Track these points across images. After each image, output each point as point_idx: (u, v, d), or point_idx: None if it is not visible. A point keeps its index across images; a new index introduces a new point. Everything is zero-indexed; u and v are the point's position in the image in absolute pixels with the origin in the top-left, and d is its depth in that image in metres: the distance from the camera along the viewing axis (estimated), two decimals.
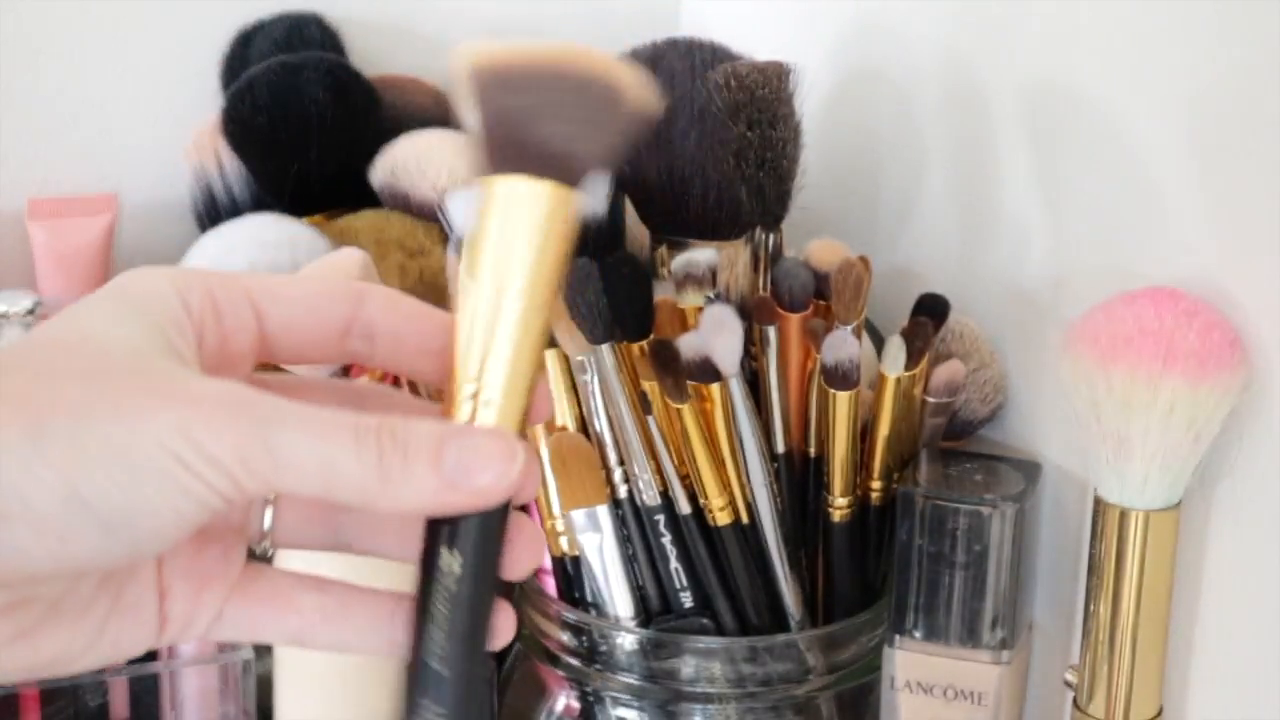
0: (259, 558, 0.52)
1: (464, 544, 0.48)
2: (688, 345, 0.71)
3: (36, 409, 0.44)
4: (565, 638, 0.77)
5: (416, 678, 0.49)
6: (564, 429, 0.76)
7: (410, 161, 0.90)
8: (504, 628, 0.49)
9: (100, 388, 0.45)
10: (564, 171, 0.46)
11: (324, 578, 0.52)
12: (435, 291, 0.85)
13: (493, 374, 0.47)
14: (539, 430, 0.77)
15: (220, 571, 0.51)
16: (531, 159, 0.46)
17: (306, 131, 0.90)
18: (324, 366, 0.54)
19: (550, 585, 0.78)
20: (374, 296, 0.50)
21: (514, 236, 0.47)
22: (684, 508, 0.74)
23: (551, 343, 0.75)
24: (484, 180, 0.47)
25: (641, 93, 0.46)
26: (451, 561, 0.48)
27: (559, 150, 0.46)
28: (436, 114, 0.96)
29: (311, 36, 0.98)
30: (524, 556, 0.49)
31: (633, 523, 0.75)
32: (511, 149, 0.46)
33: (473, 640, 0.48)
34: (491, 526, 0.48)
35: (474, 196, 0.47)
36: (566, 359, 0.76)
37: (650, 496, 0.74)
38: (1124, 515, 0.65)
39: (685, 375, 0.71)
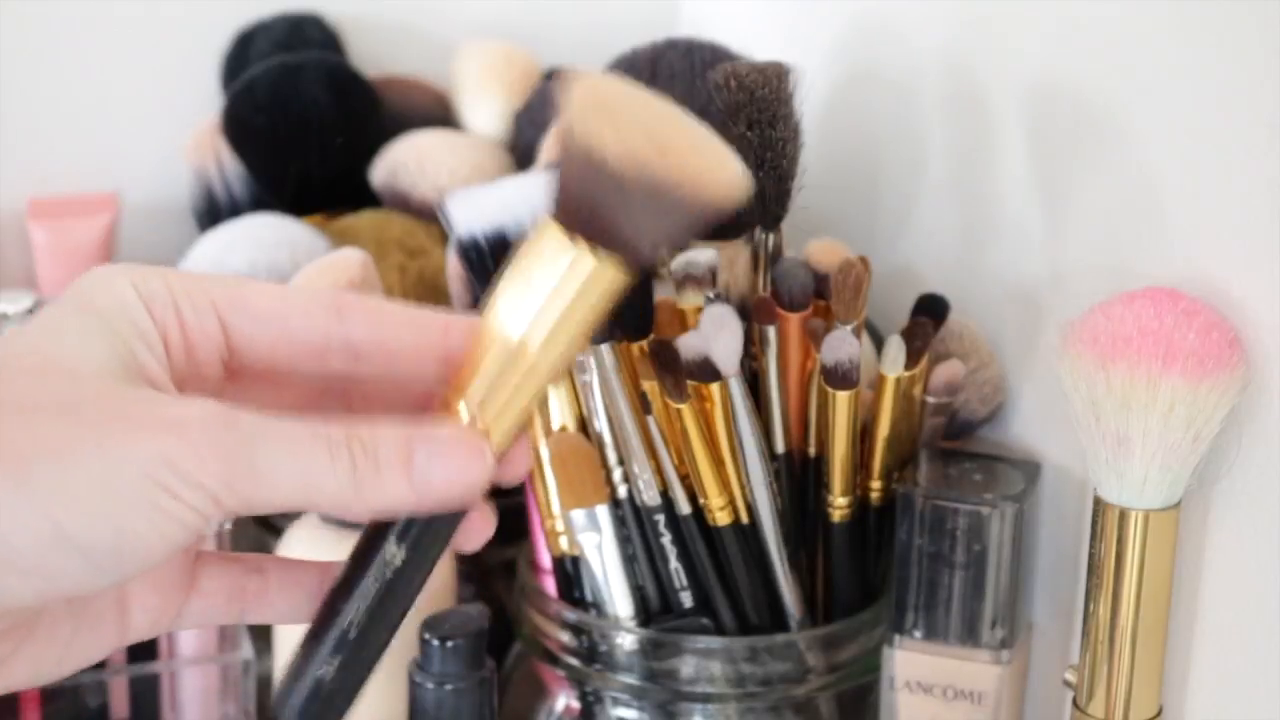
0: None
1: (413, 541, 0.48)
2: (687, 345, 0.71)
3: (17, 453, 0.43)
4: (565, 638, 0.77)
5: (327, 639, 0.49)
6: (564, 429, 0.76)
7: (411, 162, 0.90)
8: (480, 529, 0.50)
9: (79, 422, 0.44)
10: (629, 256, 0.47)
11: (263, 558, 0.52)
12: (435, 292, 0.85)
13: (490, 410, 0.48)
14: (538, 430, 0.77)
15: (184, 580, 0.51)
16: (603, 231, 0.46)
17: (306, 131, 0.90)
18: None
19: (550, 585, 0.78)
20: (355, 311, 0.49)
21: (562, 300, 0.47)
22: (684, 508, 0.74)
23: None
24: (553, 226, 0.47)
25: (729, 193, 0.47)
26: (397, 554, 0.48)
27: (631, 238, 0.46)
28: (437, 114, 0.96)
29: (312, 37, 0.98)
30: (473, 533, 0.49)
31: (632, 523, 0.75)
32: (587, 214, 0.46)
33: (392, 623, 0.49)
34: (444, 530, 0.49)
35: (536, 227, 0.47)
36: None
37: (650, 496, 0.74)
38: (1124, 515, 0.65)
39: (685, 375, 0.71)
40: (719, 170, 0.47)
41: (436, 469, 0.47)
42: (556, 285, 0.47)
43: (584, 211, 0.46)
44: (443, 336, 0.49)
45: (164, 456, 0.44)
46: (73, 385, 0.45)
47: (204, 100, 0.94)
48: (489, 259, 0.72)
